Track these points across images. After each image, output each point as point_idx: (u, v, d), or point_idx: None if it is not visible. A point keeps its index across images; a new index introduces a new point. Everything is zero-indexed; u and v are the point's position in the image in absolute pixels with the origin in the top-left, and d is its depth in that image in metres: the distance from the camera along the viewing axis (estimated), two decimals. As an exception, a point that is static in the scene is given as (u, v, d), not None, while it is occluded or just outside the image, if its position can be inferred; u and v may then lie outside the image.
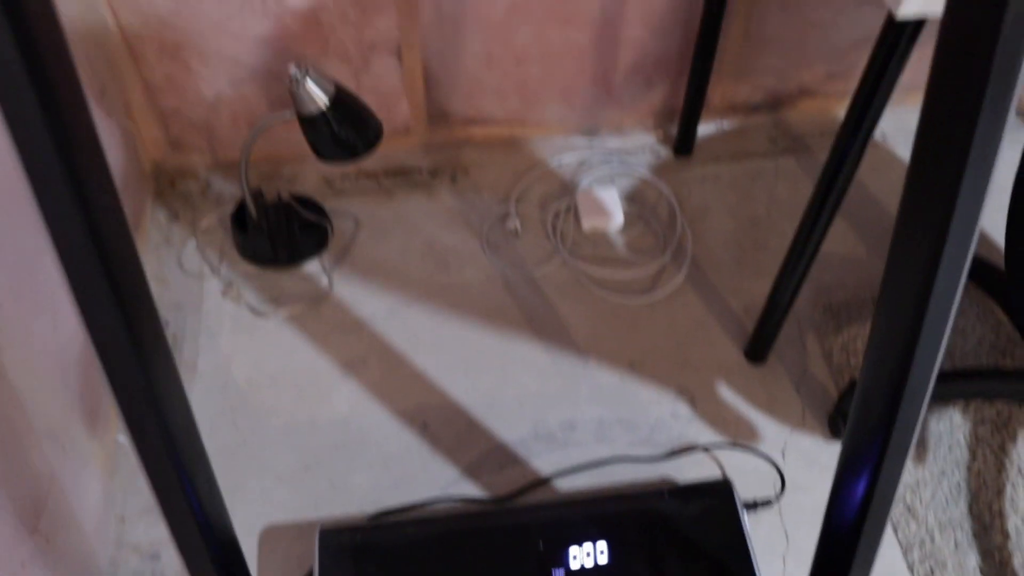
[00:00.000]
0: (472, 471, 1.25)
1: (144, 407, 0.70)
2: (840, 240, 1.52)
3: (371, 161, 1.59)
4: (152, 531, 1.18)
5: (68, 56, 0.55)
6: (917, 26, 0.89)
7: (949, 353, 1.38)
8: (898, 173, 1.65)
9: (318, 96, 1.20)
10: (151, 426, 0.72)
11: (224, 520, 0.89)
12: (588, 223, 1.51)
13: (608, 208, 1.53)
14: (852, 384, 1.32)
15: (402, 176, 1.60)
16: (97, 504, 1.16)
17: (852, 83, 1.65)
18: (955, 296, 0.67)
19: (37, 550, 0.97)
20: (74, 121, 0.57)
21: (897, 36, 0.89)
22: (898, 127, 1.71)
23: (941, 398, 1.33)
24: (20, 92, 0.51)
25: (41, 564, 0.98)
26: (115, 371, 0.67)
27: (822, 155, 1.65)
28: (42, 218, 0.57)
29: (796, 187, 1.61)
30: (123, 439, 1.26)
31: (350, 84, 1.47)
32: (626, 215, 1.54)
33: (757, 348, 1.36)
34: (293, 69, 1.18)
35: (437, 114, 1.58)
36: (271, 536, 1.19)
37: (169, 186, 1.57)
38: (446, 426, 1.29)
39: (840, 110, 1.71)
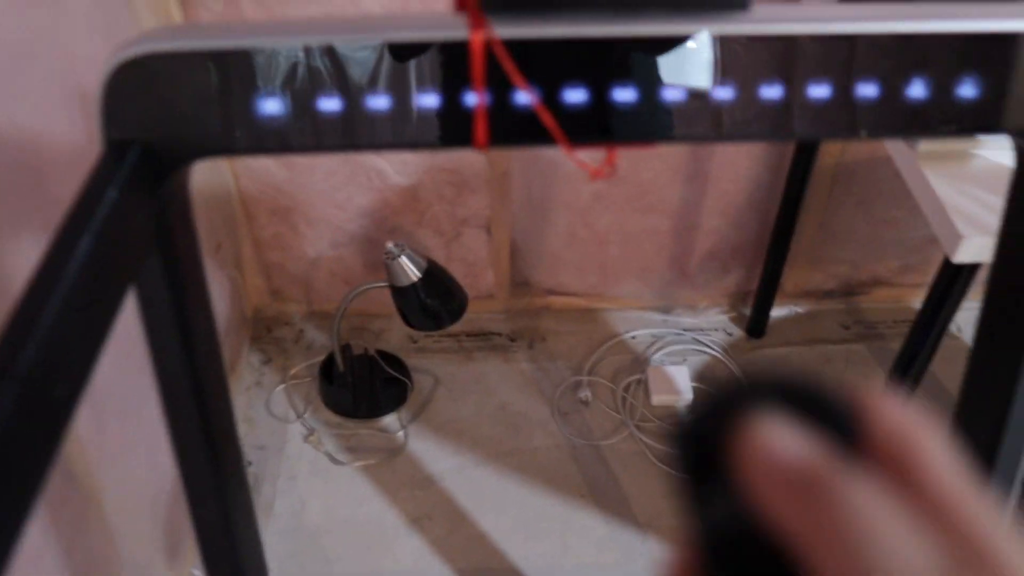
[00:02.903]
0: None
1: (220, 538, 0.77)
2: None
3: (454, 322, 1.68)
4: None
5: (194, 232, 0.64)
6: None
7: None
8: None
9: (411, 271, 1.30)
10: (224, 558, 0.78)
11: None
12: (658, 398, 1.56)
13: (678, 385, 1.58)
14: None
15: (483, 338, 1.68)
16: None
17: (926, 275, 1.70)
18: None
19: None
20: (191, 281, 0.65)
21: (955, 272, 0.94)
22: (972, 320, 1.73)
23: None
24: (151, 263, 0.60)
25: None
26: (197, 503, 0.74)
27: (894, 343, 1.69)
28: (152, 358, 0.65)
29: (866, 374, 1.64)
30: (197, 573, 1.33)
31: (440, 253, 1.58)
32: (695, 392, 1.58)
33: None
34: (390, 245, 1.29)
35: (520, 283, 1.67)
36: None
37: (266, 331, 1.69)
38: (503, 591, 1.33)
39: (914, 300, 1.74)
